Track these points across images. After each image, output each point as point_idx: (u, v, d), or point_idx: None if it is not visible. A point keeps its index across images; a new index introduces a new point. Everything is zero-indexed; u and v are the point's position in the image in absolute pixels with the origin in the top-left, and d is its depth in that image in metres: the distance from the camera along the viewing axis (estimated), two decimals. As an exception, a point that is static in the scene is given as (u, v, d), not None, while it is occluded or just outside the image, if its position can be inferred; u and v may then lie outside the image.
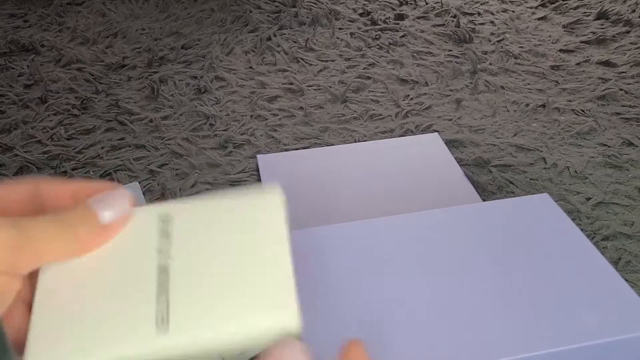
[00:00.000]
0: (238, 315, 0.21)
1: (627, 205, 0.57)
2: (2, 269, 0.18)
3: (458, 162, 0.63)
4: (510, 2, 1.03)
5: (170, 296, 0.21)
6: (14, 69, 0.84)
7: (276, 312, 0.22)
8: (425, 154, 0.64)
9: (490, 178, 0.61)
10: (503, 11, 1.00)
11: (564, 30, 0.93)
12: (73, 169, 0.63)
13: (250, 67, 0.84)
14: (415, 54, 0.87)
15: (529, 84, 0.79)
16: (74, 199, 0.22)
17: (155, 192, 0.60)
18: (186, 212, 0.24)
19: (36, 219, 0.20)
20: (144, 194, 0.60)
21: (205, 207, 0.24)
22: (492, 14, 0.99)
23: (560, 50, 0.87)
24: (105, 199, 0.21)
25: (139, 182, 0.61)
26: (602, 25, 0.93)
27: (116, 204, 0.21)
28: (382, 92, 0.78)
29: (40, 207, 0.22)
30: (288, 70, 0.83)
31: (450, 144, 0.67)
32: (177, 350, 0.21)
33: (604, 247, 0.52)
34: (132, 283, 0.22)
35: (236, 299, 0.22)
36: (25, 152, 0.67)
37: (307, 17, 0.98)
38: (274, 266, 0.23)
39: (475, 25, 0.95)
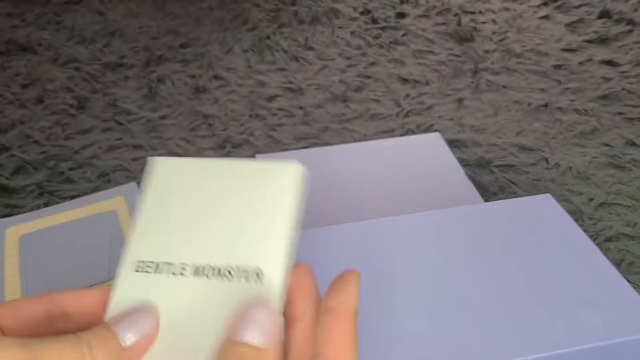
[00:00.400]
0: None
1: (630, 206, 0.57)
2: None
3: (460, 162, 0.62)
4: (512, 0, 1.02)
5: (230, 263, 0.22)
6: (10, 68, 0.84)
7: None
8: (427, 154, 0.63)
9: (492, 178, 0.61)
10: (505, 10, 0.99)
11: (567, 29, 0.92)
12: (70, 169, 0.63)
13: (249, 66, 0.84)
14: (416, 53, 0.86)
15: (531, 83, 0.78)
16: (100, 308, 0.21)
17: (153, 193, 0.59)
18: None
19: (50, 339, 0.18)
20: (141, 194, 0.59)
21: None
22: (494, 12, 0.98)
23: (563, 50, 0.86)
24: (127, 317, 0.20)
25: (137, 183, 0.60)
26: (604, 24, 0.93)
27: (140, 323, 0.20)
28: (382, 92, 0.77)
29: (56, 324, 0.21)
30: (287, 69, 0.82)
31: (452, 143, 0.66)
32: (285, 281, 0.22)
33: (606, 248, 0.52)
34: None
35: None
36: (22, 152, 0.66)
37: (307, 16, 0.98)
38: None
39: (477, 24, 0.94)
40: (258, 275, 0.21)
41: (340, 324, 0.20)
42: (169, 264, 0.22)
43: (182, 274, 0.22)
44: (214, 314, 0.21)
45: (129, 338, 0.20)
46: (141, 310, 0.21)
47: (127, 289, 0.22)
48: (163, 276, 0.22)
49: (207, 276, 0.22)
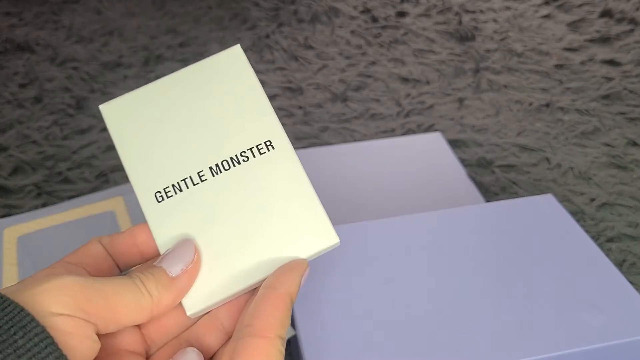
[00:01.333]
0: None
1: (632, 207, 0.56)
2: (70, 312, 0.18)
3: (461, 163, 0.62)
4: (512, -1, 1.02)
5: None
6: (8, 67, 0.83)
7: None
8: (427, 154, 0.63)
9: (494, 178, 0.61)
10: (506, 9, 0.99)
11: (568, 29, 0.92)
12: (68, 169, 0.62)
13: (249, 66, 0.83)
14: (416, 52, 0.86)
15: (532, 83, 0.78)
16: (141, 253, 0.24)
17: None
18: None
19: (106, 277, 0.20)
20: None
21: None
22: (495, 11, 0.98)
23: (564, 49, 0.86)
24: (169, 253, 0.22)
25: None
26: (606, 23, 0.92)
27: (181, 254, 0.22)
28: (383, 91, 0.77)
29: (114, 266, 0.24)
30: (287, 69, 0.82)
31: (453, 143, 0.66)
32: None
33: (608, 249, 0.52)
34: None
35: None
36: (20, 152, 0.66)
37: (307, 15, 0.97)
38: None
39: (478, 23, 0.94)
40: (269, 144, 0.23)
41: (274, 300, 0.21)
42: (185, 179, 0.23)
43: (202, 180, 0.23)
44: (251, 192, 0.23)
45: (175, 270, 0.22)
46: (180, 244, 0.23)
47: (163, 222, 0.23)
48: (187, 191, 0.23)
49: (227, 169, 0.23)
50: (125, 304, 0.20)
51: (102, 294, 0.19)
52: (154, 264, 0.22)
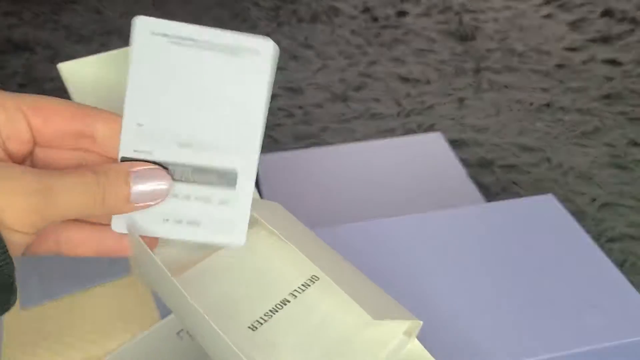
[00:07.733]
0: None
1: (632, 207, 0.56)
2: (25, 230, 0.18)
3: (461, 163, 0.62)
4: (513, -1, 1.02)
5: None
6: (8, 67, 0.83)
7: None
8: (428, 154, 0.63)
9: (494, 179, 0.61)
10: (507, 8, 0.99)
11: (569, 28, 0.92)
12: (67, 169, 0.63)
13: (249, 65, 0.84)
14: (417, 52, 0.86)
15: (533, 82, 0.78)
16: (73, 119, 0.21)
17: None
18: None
19: (64, 175, 0.19)
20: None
21: None
22: (496, 11, 0.98)
23: (565, 49, 0.86)
24: (144, 173, 0.20)
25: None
26: (607, 23, 0.92)
27: (154, 181, 0.21)
28: (383, 91, 0.77)
29: (81, 143, 0.21)
30: (287, 69, 0.82)
31: (453, 143, 0.66)
32: None
33: (609, 249, 0.52)
34: None
35: None
36: (19, 151, 0.66)
37: (307, 14, 0.98)
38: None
39: (479, 22, 0.94)
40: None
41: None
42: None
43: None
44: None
45: (138, 192, 0.20)
46: (158, 172, 0.21)
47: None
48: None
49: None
50: (74, 206, 0.19)
51: (54, 197, 0.18)
52: (125, 173, 0.20)
